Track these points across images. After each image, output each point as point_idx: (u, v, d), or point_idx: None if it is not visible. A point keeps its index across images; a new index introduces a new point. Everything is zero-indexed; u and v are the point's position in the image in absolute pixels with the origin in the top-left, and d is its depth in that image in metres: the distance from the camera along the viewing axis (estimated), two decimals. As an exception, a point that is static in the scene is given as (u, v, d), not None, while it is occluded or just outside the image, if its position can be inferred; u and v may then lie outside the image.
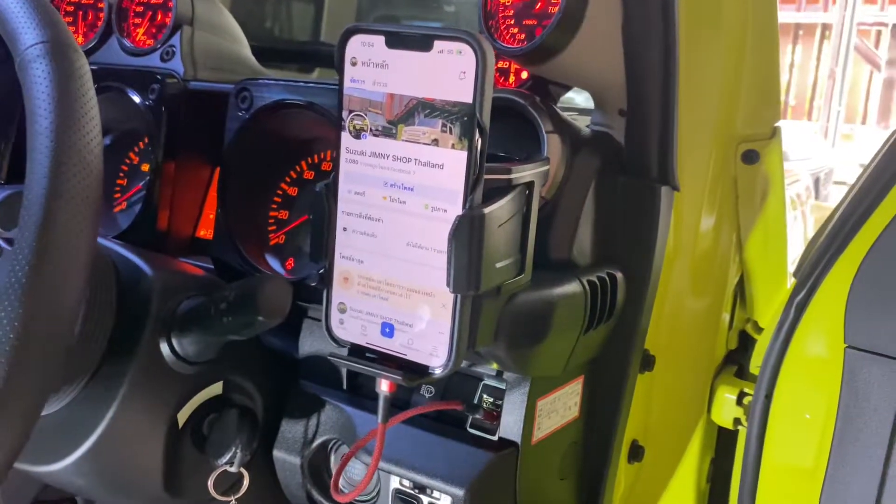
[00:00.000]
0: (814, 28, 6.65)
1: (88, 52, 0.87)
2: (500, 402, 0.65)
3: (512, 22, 0.63)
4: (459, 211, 0.45)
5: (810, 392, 0.67)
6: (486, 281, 0.48)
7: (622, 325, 0.69)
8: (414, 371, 0.50)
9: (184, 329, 0.62)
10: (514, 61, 0.66)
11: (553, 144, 0.62)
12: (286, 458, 0.71)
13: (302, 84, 0.71)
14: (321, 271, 0.69)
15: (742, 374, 0.84)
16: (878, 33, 6.01)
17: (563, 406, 0.68)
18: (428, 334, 0.48)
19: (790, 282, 0.76)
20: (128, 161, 0.90)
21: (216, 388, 0.68)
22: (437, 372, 0.49)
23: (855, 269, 0.63)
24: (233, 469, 0.65)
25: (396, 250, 0.48)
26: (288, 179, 0.78)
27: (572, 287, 0.61)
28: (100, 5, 0.87)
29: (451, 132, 0.44)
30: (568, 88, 0.70)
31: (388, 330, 0.50)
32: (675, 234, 0.69)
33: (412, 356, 0.49)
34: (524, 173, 0.52)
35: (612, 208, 0.66)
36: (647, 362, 0.74)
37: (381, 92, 0.47)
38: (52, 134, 0.44)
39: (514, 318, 0.56)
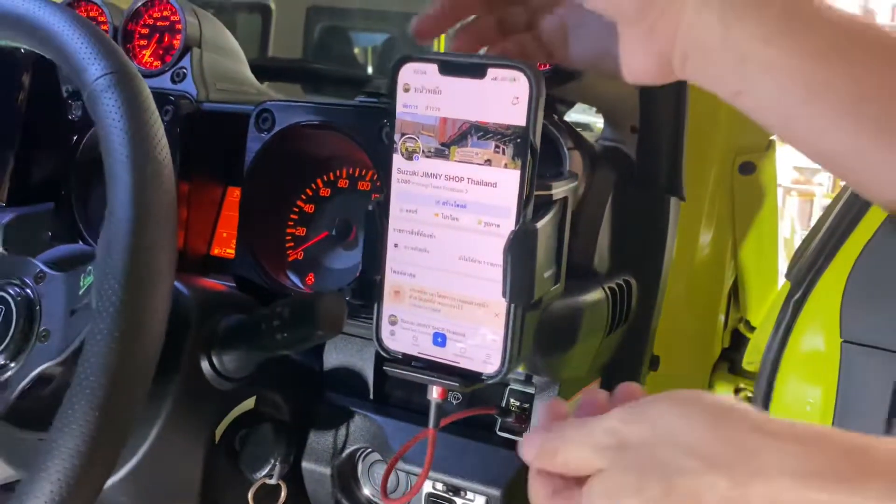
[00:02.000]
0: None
1: (92, 74, 0.88)
2: (528, 405, 0.68)
3: (533, 45, 0.66)
4: (512, 225, 0.48)
5: (809, 385, 0.72)
6: (538, 290, 0.51)
7: (634, 328, 0.73)
8: (467, 378, 0.53)
9: (224, 346, 0.63)
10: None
11: (575, 160, 0.66)
12: (315, 469, 0.73)
13: (321, 105, 0.74)
14: (350, 284, 0.72)
15: (734, 370, 0.89)
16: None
17: (584, 407, 0.72)
18: (481, 343, 0.51)
19: (781, 283, 0.82)
20: (132, 181, 0.90)
21: (249, 404, 0.70)
22: (491, 378, 0.52)
23: (849, 268, 0.68)
24: (272, 481, 0.67)
25: (449, 264, 0.50)
26: (304, 197, 0.80)
27: (597, 294, 0.65)
28: (104, 28, 0.88)
29: (504, 153, 0.47)
30: (571, 106, 0.74)
31: (440, 339, 0.52)
32: (678, 241, 0.74)
33: (465, 364, 0.52)
34: (562, 188, 0.56)
35: (625, 218, 0.70)
36: (654, 362, 0.78)
37: (435, 116, 0.49)
38: (130, 162, 0.46)
39: (549, 325, 0.59)
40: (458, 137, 0.49)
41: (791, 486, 0.35)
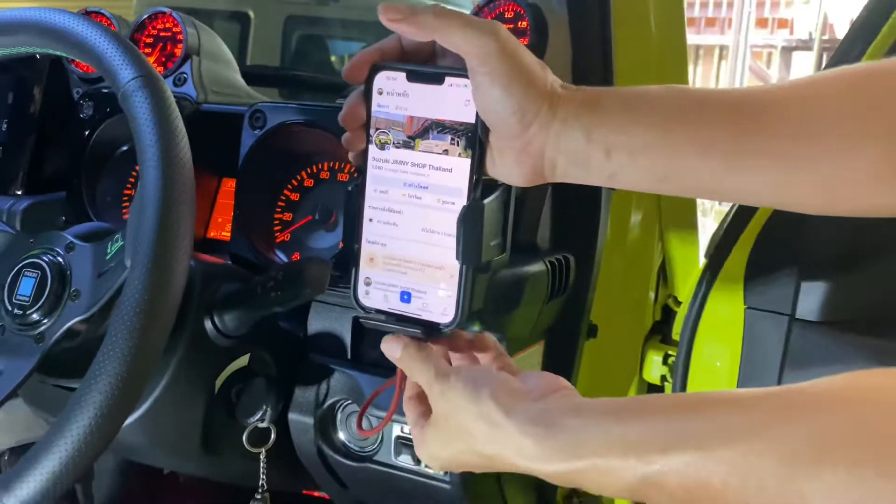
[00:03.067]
0: (713, 49, 7.17)
1: (101, 79, 0.99)
2: (481, 361, 0.81)
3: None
4: (464, 202, 0.60)
5: (719, 346, 0.86)
6: (485, 255, 0.64)
7: (573, 299, 0.86)
8: (428, 328, 0.65)
9: (225, 307, 0.75)
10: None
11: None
12: (300, 419, 0.85)
13: (307, 106, 0.86)
14: (332, 258, 0.84)
15: (666, 340, 1.02)
16: (769, 55, 6.52)
17: (529, 365, 0.84)
18: (439, 299, 0.61)
19: (702, 262, 0.96)
20: (134, 172, 1.02)
21: (243, 361, 0.82)
22: (448, 327, 0.63)
23: (749, 248, 0.81)
24: (264, 424, 0.79)
25: (413, 235, 0.60)
26: (290, 186, 0.92)
27: (538, 266, 0.78)
28: (112, 37, 0.99)
29: (458, 144, 0.59)
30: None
31: (406, 297, 0.62)
32: (611, 223, 0.87)
33: (426, 316, 0.62)
34: (505, 175, 0.69)
35: (564, 202, 0.83)
36: (592, 331, 0.91)
37: (403, 114, 0.60)
38: (158, 147, 0.58)
39: (497, 288, 0.72)
40: (421, 132, 0.60)
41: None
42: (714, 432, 0.41)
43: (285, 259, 0.89)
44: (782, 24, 6.64)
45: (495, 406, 0.51)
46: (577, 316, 0.88)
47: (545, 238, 0.81)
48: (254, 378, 0.81)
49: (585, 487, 0.47)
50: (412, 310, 0.62)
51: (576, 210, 0.84)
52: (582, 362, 0.91)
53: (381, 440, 0.84)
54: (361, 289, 0.63)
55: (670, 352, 0.98)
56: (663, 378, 0.98)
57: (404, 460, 0.82)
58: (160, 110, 0.59)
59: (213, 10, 2.07)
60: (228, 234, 0.92)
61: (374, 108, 0.61)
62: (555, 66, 0.53)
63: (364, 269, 0.62)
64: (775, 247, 0.81)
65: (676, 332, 1.01)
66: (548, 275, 0.79)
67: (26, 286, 0.70)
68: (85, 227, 0.75)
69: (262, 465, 0.81)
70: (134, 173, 1.01)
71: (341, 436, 0.86)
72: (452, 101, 0.58)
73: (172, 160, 0.58)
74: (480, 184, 0.58)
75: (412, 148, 0.59)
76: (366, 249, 0.62)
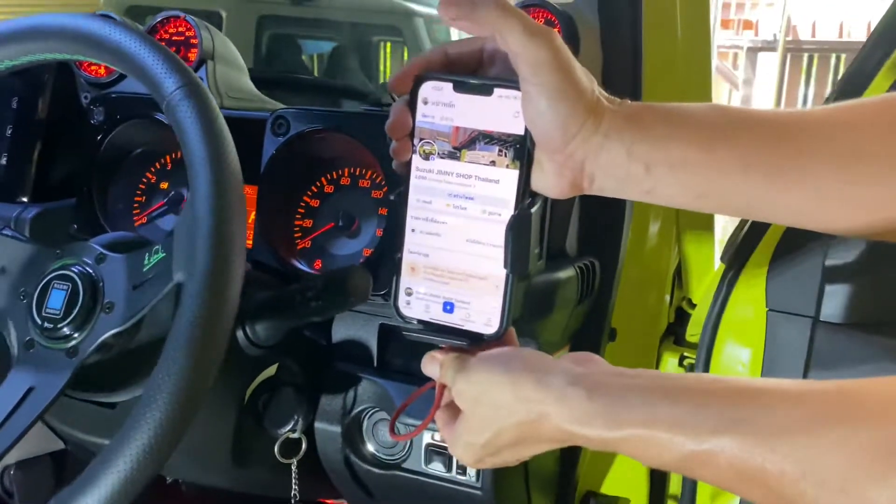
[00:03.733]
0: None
1: (112, 83, 0.97)
2: (511, 366, 0.81)
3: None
4: (511, 213, 0.60)
5: (741, 348, 0.87)
6: (531, 264, 0.64)
7: (597, 303, 0.87)
8: (472, 339, 0.64)
9: (256, 317, 0.74)
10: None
11: (550, 160, 0.79)
12: (327, 428, 0.84)
13: (331, 112, 0.85)
14: (362, 262, 0.84)
15: (679, 341, 1.03)
16: (735, 55, 6.65)
17: (557, 368, 0.85)
18: (483, 309, 0.60)
19: (717, 266, 0.97)
20: (145, 181, 1.00)
21: (271, 370, 0.81)
22: (492, 338, 0.61)
23: (772, 250, 0.83)
24: (296, 435, 0.78)
25: (457, 245, 0.60)
26: (310, 193, 0.91)
27: (569, 272, 0.79)
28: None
29: (505, 156, 0.58)
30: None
31: (448, 307, 0.61)
32: (632, 229, 0.88)
33: (469, 326, 0.61)
34: (544, 183, 0.69)
35: (590, 209, 0.84)
36: (612, 334, 0.92)
37: (449, 125, 0.59)
38: (209, 159, 0.57)
39: (533, 295, 0.72)
40: (468, 143, 0.59)
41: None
42: (771, 421, 0.41)
43: (306, 267, 0.89)
44: (747, 25, 6.76)
45: (530, 373, 0.50)
46: (600, 320, 0.88)
47: (573, 244, 0.82)
48: (282, 388, 0.81)
49: (626, 454, 0.47)
50: (455, 320, 0.62)
51: (601, 216, 0.84)
52: (602, 366, 0.91)
53: (411, 448, 0.83)
54: (402, 299, 0.62)
55: (686, 353, 0.99)
56: (679, 379, 0.99)
57: (435, 467, 0.81)
58: (208, 120, 0.59)
59: (184, 9, 2.05)
60: (248, 242, 0.91)
61: (418, 118, 0.60)
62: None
63: (405, 279, 0.62)
64: (798, 248, 0.82)
65: (690, 334, 1.02)
66: (577, 280, 0.80)
67: (56, 299, 0.69)
68: (113, 237, 0.74)
69: (294, 475, 0.80)
70: (145, 180, 0.99)
71: (369, 444, 0.86)
72: (501, 112, 0.57)
73: (224, 171, 0.57)
74: (528, 194, 0.58)
75: (458, 159, 0.58)
76: (407, 259, 0.62)
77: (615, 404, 0.46)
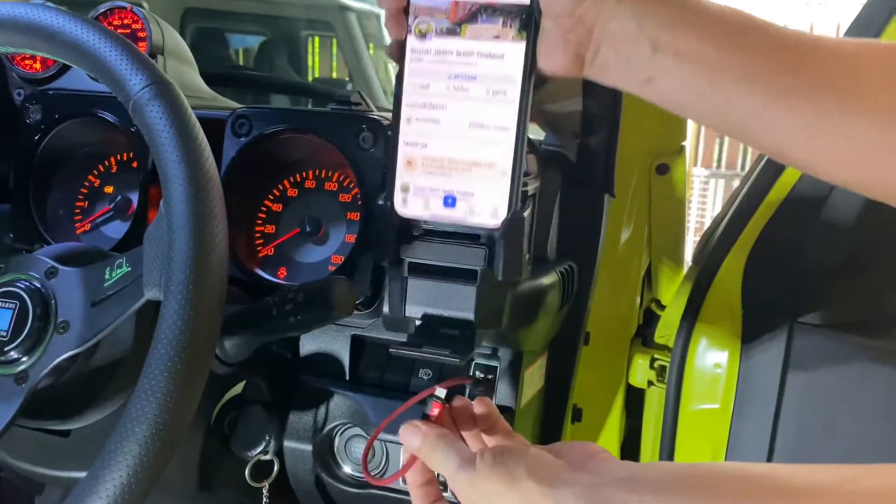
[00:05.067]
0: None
1: (49, 79, 0.90)
2: (492, 376, 0.78)
3: (494, 63, 0.76)
4: (518, 91, 0.52)
5: (717, 349, 0.86)
6: (523, 270, 0.61)
7: (574, 307, 0.85)
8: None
9: (227, 332, 0.69)
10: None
11: (531, 162, 0.76)
12: (297, 447, 0.80)
13: (297, 111, 0.80)
14: (332, 269, 0.79)
15: (647, 343, 1.03)
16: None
17: (537, 376, 0.83)
18: (488, 199, 0.55)
19: (686, 268, 0.96)
20: (87, 184, 0.92)
21: (237, 388, 0.76)
22: (498, 227, 0.55)
23: (748, 251, 0.83)
24: (268, 456, 0.73)
25: (459, 131, 0.54)
26: (272, 197, 0.86)
27: (552, 277, 0.76)
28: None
29: (510, 27, 0.52)
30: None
31: (450, 201, 0.55)
32: (606, 233, 0.86)
33: (474, 220, 0.55)
34: (532, 185, 0.66)
35: (568, 213, 0.82)
36: (586, 338, 0.90)
37: (446, 0, 0.53)
38: (184, 162, 0.52)
39: (518, 302, 0.69)
40: (468, 17, 0.53)
41: None
42: None
43: (269, 276, 0.83)
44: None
45: (536, 485, 0.47)
46: (577, 324, 0.86)
47: (553, 248, 0.80)
48: (250, 406, 0.76)
49: None
50: (457, 214, 0.56)
51: (578, 218, 0.82)
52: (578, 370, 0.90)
53: (387, 465, 0.79)
54: (398, 196, 0.56)
55: (656, 355, 0.98)
56: (650, 382, 0.98)
57: (415, 484, 0.78)
58: (180, 120, 0.53)
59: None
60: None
61: None
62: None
63: (401, 174, 0.56)
64: (776, 250, 0.82)
65: (660, 336, 1.02)
66: (560, 284, 0.77)
67: (2, 319, 0.62)
68: (64, 249, 0.67)
69: (265, 500, 0.75)
70: (87, 183, 0.92)
71: (342, 463, 0.81)
72: None
73: (200, 175, 0.52)
74: (535, 70, 0.52)
75: (458, 35, 0.53)
76: (403, 153, 0.55)
77: None
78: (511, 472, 0.48)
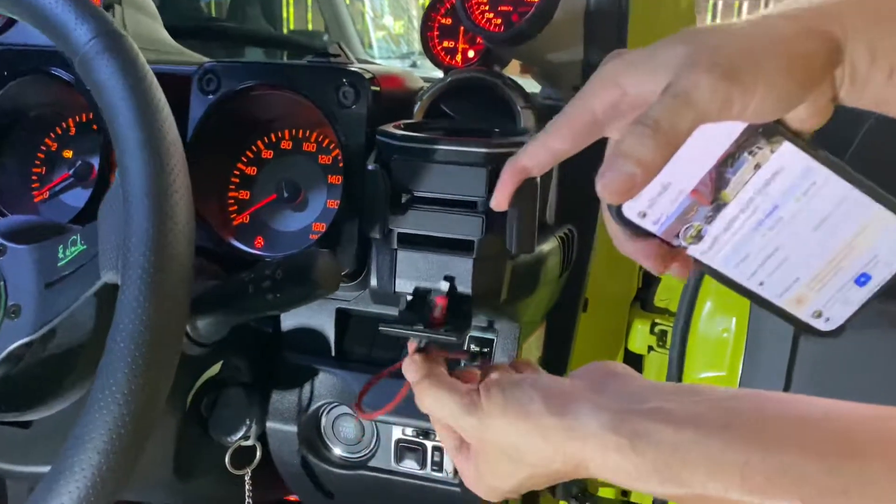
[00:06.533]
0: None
1: (-6, 33, 0.81)
2: (488, 349, 0.73)
3: (487, 7, 0.69)
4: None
5: (725, 315, 0.82)
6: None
7: (574, 273, 0.80)
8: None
9: (198, 311, 0.63)
10: (488, 43, 0.72)
11: (527, 118, 0.70)
12: (281, 428, 0.74)
13: (270, 65, 0.73)
14: (313, 238, 0.73)
15: (646, 307, 0.98)
16: None
17: (535, 347, 0.78)
18: None
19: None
20: (44, 148, 0.85)
21: (214, 369, 0.70)
22: None
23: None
24: (249, 442, 0.68)
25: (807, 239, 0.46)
26: (245, 160, 0.79)
27: (552, 243, 0.70)
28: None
29: (763, 148, 0.44)
30: (505, 65, 0.78)
31: None
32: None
33: None
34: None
35: (567, 174, 0.76)
36: (585, 304, 0.85)
37: (686, 199, 0.44)
38: (139, 125, 0.45)
39: (518, 272, 0.64)
40: (722, 182, 0.45)
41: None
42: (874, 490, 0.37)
43: (245, 246, 0.77)
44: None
45: (557, 419, 0.43)
46: (576, 291, 0.81)
47: (552, 213, 0.74)
48: (228, 388, 0.70)
49: None
50: None
51: (579, 181, 0.76)
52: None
53: (378, 445, 0.75)
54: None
55: (657, 320, 0.93)
56: (650, 348, 0.94)
57: (408, 465, 0.73)
58: (135, 76, 0.47)
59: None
60: (176, 219, 0.79)
61: (656, 230, 0.45)
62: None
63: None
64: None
65: (660, 299, 0.97)
66: (560, 250, 0.72)
67: (-55, 303, 0.56)
68: (14, 223, 0.61)
69: (247, 487, 0.70)
70: (44, 147, 0.85)
71: (329, 443, 0.76)
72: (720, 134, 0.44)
73: (158, 139, 0.45)
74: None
75: (724, 207, 0.45)
76: None
77: (671, 458, 0.41)
78: (524, 406, 0.44)
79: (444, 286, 0.58)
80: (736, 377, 0.82)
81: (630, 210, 0.44)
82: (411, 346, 0.52)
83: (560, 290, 0.78)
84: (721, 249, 0.46)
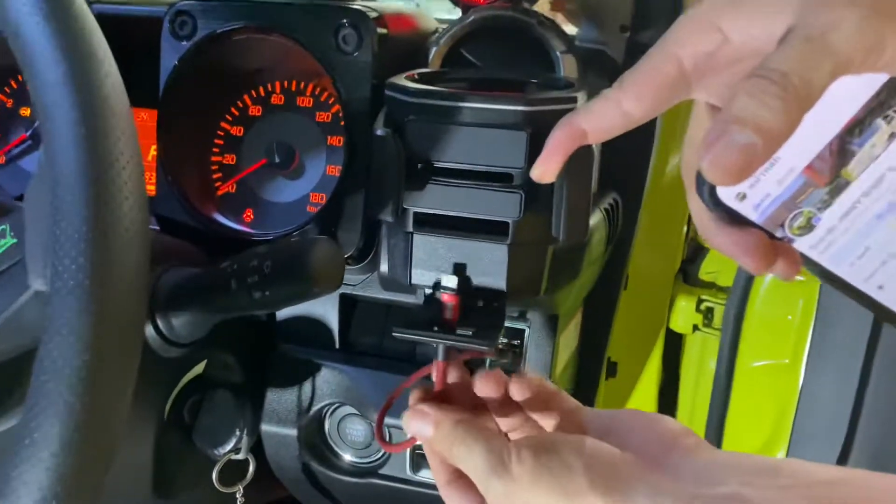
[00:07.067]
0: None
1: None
2: (518, 341, 0.62)
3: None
4: None
5: (788, 295, 0.71)
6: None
7: (616, 248, 0.68)
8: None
9: (172, 306, 0.52)
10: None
11: (569, 65, 0.58)
12: (278, 432, 0.64)
13: (254, 4, 0.61)
14: (312, 212, 0.62)
15: (689, 280, 0.87)
16: None
17: (572, 337, 0.67)
18: None
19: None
20: (-7, 109, 0.73)
21: (197, 369, 0.60)
22: None
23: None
24: (241, 456, 0.58)
25: None
26: (230, 118, 0.67)
27: (596, 216, 0.59)
28: None
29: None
30: (535, 1, 0.66)
31: None
32: (656, 158, 0.69)
33: None
34: (581, 98, 0.49)
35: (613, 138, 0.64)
36: (626, 282, 0.74)
37: (800, 178, 0.37)
38: (69, 83, 0.33)
39: (559, 258, 0.52)
40: (843, 155, 0.37)
41: None
42: None
43: (232, 221, 0.65)
44: None
45: (600, 495, 0.34)
46: (618, 269, 0.70)
47: (594, 180, 0.62)
48: (215, 390, 0.59)
49: None
50: None
51: (624, 141, 0.64)
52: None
53: (389, 453, 0.65)
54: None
55: (703, 296, 0.82)
56: (695, 327, 0.83)
57: (427, 475, 0.63)
58: (64, 19, 0.34)
59: None
60: (150, 188, 0.67)
61: (756, 218, 0.37)
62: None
63: None
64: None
65: (706, 272, 0.86)
66: (605, 224, 0.61)
67: None
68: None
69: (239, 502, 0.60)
70: (-5, 105, 0.73)
71: (335, 448, 0.66)
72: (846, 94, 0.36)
73: (95, 100, 0.33)
74: None
75: (846, 186, 0.37)
76: None
77: None
78: (561, 482, 0.36)
79: (474, 279, 0.46)
80: (799, 367, 0.72)
81: (726, 191, 0.35)
82: (437, 368, 0.41)
83: (601, 268, 0.67)
84: (835, 242, 0.38)
